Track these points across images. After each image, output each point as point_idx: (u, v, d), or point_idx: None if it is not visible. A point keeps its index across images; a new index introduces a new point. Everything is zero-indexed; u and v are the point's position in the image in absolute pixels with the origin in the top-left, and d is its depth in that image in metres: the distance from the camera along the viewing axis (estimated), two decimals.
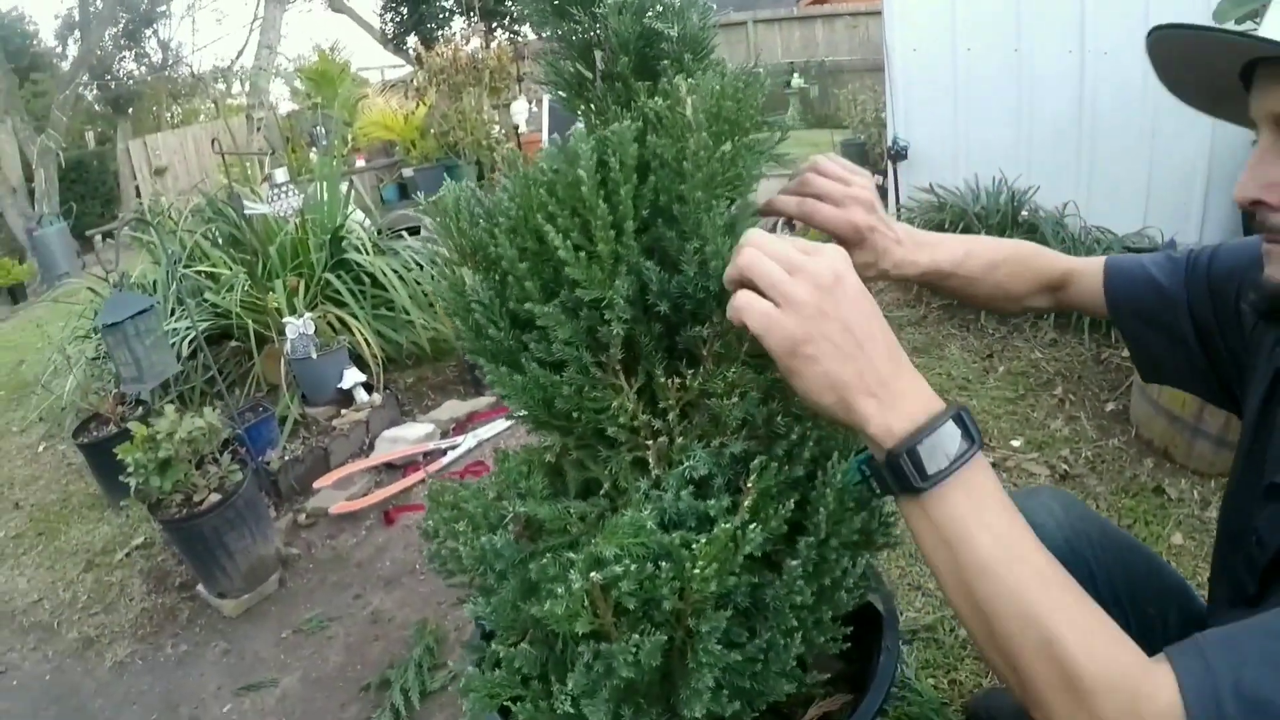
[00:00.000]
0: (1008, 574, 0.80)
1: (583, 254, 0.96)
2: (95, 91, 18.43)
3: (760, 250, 0.87)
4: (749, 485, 0.99)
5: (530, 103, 8.20)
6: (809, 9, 16.41)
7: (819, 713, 1.25)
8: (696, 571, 0.92)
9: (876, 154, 7.28)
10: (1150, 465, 3.08)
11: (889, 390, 0.85)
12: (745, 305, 0.85)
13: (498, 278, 1.07)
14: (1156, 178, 4.36)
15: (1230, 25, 3.01)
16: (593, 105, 1.15)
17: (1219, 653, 0.76)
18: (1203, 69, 1.03)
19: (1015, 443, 3.33)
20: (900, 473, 0.83)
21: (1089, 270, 1.41)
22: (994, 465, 3.16)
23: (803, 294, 0.83)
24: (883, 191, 5.62)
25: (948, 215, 4.73)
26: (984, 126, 4.89)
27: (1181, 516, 2.76)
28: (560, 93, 1.19)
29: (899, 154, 5.14)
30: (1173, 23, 1.00)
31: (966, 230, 4.56)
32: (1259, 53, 0.93)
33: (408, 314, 4.69)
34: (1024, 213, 4.60)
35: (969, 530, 0.82)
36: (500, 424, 4.25)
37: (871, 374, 0.84)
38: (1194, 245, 4.14)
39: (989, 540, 0.81)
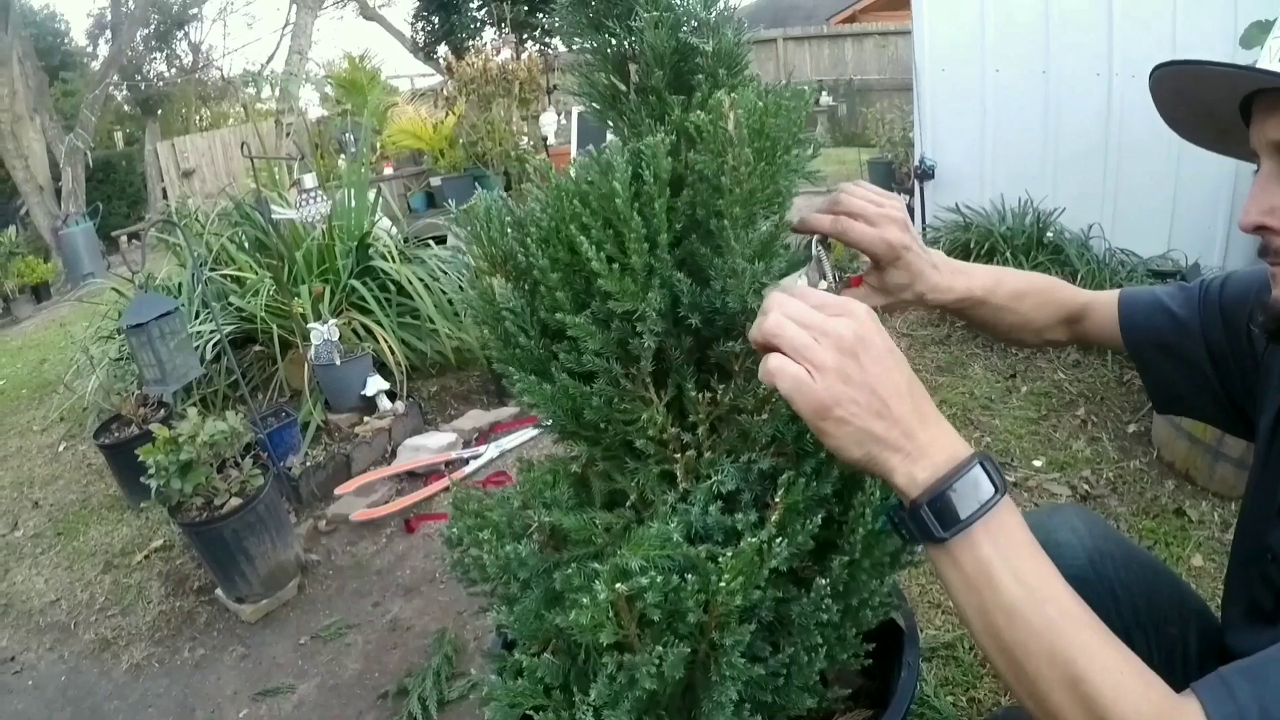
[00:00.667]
0: (1034, 616, 0.81)
1: (616, 266, 0.96)
2: (125, 92, 18.59)
3: (784, 314, 0.88)
4: (776, 500, 0.99)
5: (559, 115, 8.23)
6: (839, 27, 16.46)
7: None
8: (723, 585, 0.92)
9: (903, 173, 7.27)
10: (1171, 487, 3.06)
11: (915, 442, 0.86)
12: (777, 370, 0.86)
13: (528, 287, 1.08)
14: (1181, 202, 4.35)
15: (1250, 52, 3.01)
16: (625, 118, 1.16)
17: (1244, 684, 0.76)
18: (1203, 103, 1.04)
19: (1037, 463, 3.31)
20: (923, 523, 0.85)
21: (1104, 302, 1.42)
22: (1015, 485, 3.16)
23: (828, 359, 0.85)
24: (910, 211, 5.62)
25: (973, 235, 4.72)
26: (1011, 147, 4.88)
27: (1202, 539, 2.74)
28: (594, 104, 1.19)
29: (926, 173, 5.14)
30: (1173, 60, 1.01)
31: (992, 251, 4.56)
32: (1259, 84, 0.94)
33: (432, 323, 4.69)
34: (1049, 234, 4.60)
35: (995, 575, 0.82)
36: (523, 434, 4.25)
37: (897, 429, 0.86)
38: (1218, 269, 4.14)
39: (1015, 584, 0.82)
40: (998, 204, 4.90)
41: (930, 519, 0.84)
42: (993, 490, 0.84)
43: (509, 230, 1.07)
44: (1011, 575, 0.82)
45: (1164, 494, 3.02)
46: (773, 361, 0.87)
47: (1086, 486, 3.11)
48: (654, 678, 0.95)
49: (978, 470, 0.84)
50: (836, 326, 0.86)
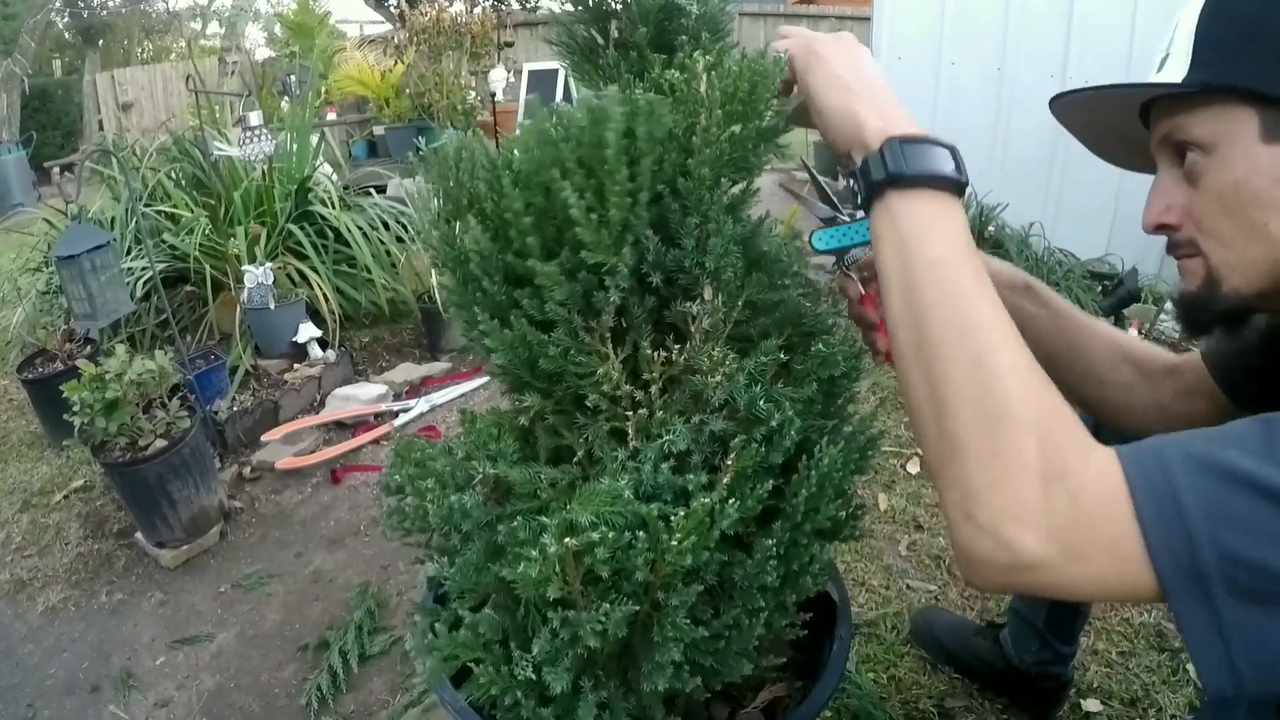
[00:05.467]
0: (956, 276, 0.81)
1: (594, 216, 0.95)
2: (66, 19, 17.95)
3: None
4: (728, 463, 0.99)
5: (509, 72, 8.13)
6: (796, 7, 16.42)
7: (770, 697, 1.27)
8: (674, 544, 0.92)
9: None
10: None
11: (892, 115, 0.93)
12: (792, 29, 1.02)
13: (492, 231, 1.06)
14: (1123, 208, 4.44)
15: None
16: (602, 72, 1.15)
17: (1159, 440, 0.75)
18: (1114, 127, 1.07)
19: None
20: (882, 162, 0.88)
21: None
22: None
23: (824, 37, 1.00)
24: (852, 194, 5.66)
25: None
26: (960, 140, 4.83)
27: None
28: (571, 56, 1.18)
29: None
30: (1068, 90, 1.04)
31: None
32: (1147, 96, 0.98)
33: (369, 272, 4.63)
34: (990, 228, 4.66)
35: (929, 232, 0.84)
36: (454, 390, 4.23)
37: (873, 96, 0.95)
38: (1154, 275, 4.24)
39: (945, 245, 0.83)
40: None
41: (896, 154, 0.87)
42: (955, 170, 0.88)
43: (481, 173, 1.05)
44: (944, 237, 0.84)
45: None
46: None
47: None
48: (598, 635, 0.94)
49: (948, 153, 0.89)
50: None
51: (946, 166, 0.87)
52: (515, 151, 1.00)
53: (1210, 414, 1.29)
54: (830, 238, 1.03)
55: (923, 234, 0.84)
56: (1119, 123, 1.04)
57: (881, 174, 0.87)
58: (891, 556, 2.71)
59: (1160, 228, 0.98)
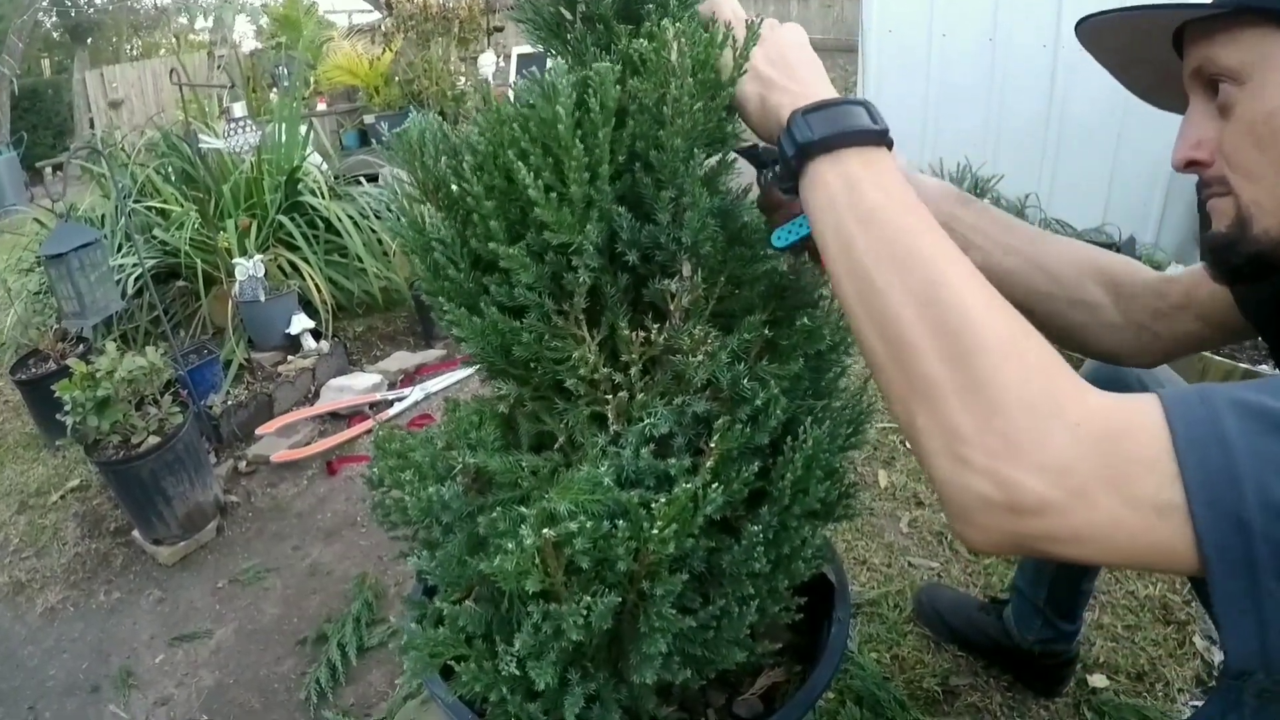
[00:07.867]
0: (892, 218, 0.77)
1: (553, 195, 0.91)
2: (54, 18, 17.86)
3: None
4: (712, 446, 0.96)
5: (499, 57, 8.09)
6: None
7: (768, 683, 1.24)
8: (655, 532, 0.88)
9: None
10: None
11: (805, 91, 0.90)
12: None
13: (460, 217, 1.03)
14: (1119, 177, 4.39)
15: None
16: (570, 47, 1.11)
17: (1202, 385, 0.67)
18: (1145, 57, 1.01)
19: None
20: (790, 137, 0.85)
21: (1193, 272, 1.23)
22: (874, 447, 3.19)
23: (741, 25, 0.97)
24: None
25: None
26: (954, 113, 4.89)
27: None
28: (538, 33, 1.14)
29: None
30: (1094, 12, 0.98)
31: None
32: (1179, 19, 0.91)
33: (360, 261, 4.59)
34: (986, 200, 4.62)
35: (859, 185, 0.80)
36: (449, 377, 4.20)
37: (795, 84, 0.91)
38: (1152, 244, 4.20)
39: (878, 193, 0.79)
40: (937, 167, 4.91)
41: (801, 125, 0.84)
42: (873, 125, 0.84)
43: (443, 156, 1.02)
44: (877, 188, 0.80)
45: None
46: None
47: None
48: (581, 628, 0.91)
49: (862, 109, 0.85)
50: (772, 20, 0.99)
51: (861, 121, 0.84)
52: (475, 134, 0.97)
53: (1198, 335, 1.25)
54: (788, 233, 0.99)
55: (852, 188, 0.80)
56: (1150, 52, 0.98)
57: (793, 148, 0.84)
58: (893, 534, 2.68)
59: (1190, 165, 0.93)
